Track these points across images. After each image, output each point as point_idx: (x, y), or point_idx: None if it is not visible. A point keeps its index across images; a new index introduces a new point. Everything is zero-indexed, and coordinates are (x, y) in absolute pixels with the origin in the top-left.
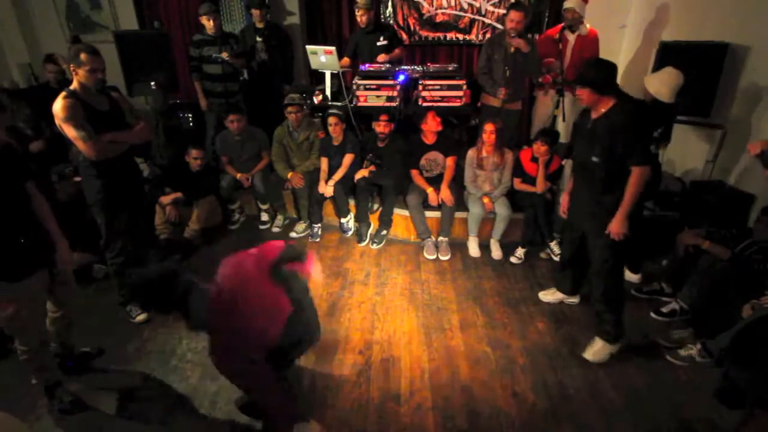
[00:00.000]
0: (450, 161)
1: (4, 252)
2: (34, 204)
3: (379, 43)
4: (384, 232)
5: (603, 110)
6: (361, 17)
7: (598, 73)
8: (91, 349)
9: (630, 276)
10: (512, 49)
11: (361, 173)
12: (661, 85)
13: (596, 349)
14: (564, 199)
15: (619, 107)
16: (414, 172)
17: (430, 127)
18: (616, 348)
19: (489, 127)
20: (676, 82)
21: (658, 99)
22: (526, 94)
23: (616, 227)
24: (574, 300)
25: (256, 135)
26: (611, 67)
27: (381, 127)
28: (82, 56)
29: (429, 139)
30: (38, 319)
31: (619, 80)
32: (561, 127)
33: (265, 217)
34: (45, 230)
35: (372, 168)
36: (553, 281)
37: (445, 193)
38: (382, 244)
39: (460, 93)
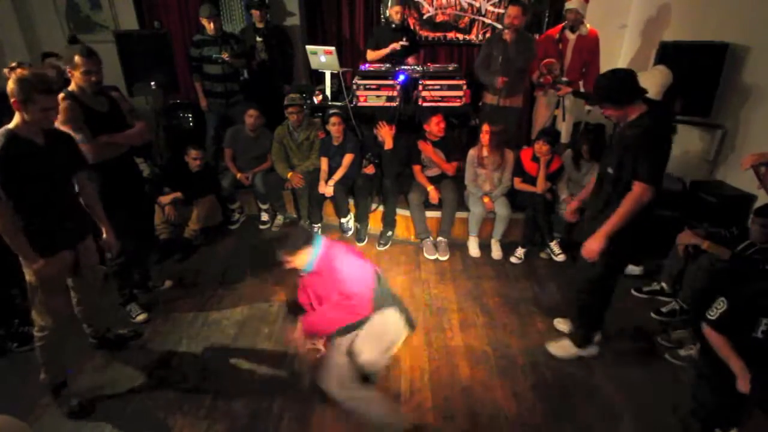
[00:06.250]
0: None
1: (37, 230)
2: (84, 193)
3: (401, 43)
4: (389, 233)
5: (630, 119)
6: (396, 14)
7: (611, 86)
8: (128, 331)
9: (632, 268)
10: (508, 40)
11: (367, 170)
12: (650, 84)
13: (561, 345)
14: (573, 204)
15: (639, 119)
16: (416, 168)
17: (433, 130)
18: (582, 352)
19: (486, 128)
20: (662, 81)
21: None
22: (527, 91)
23: (590, 244)
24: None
25: (268, 136)
26: (624, 76)
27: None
28: (77, 58)
29: (431, 138)
30: (57, 300)
31: None
32: (561, 126)
33: (265, 216)
34: (80, 215)
35: (372, 167)
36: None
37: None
38: (388, 245)
39: (460, 93)
